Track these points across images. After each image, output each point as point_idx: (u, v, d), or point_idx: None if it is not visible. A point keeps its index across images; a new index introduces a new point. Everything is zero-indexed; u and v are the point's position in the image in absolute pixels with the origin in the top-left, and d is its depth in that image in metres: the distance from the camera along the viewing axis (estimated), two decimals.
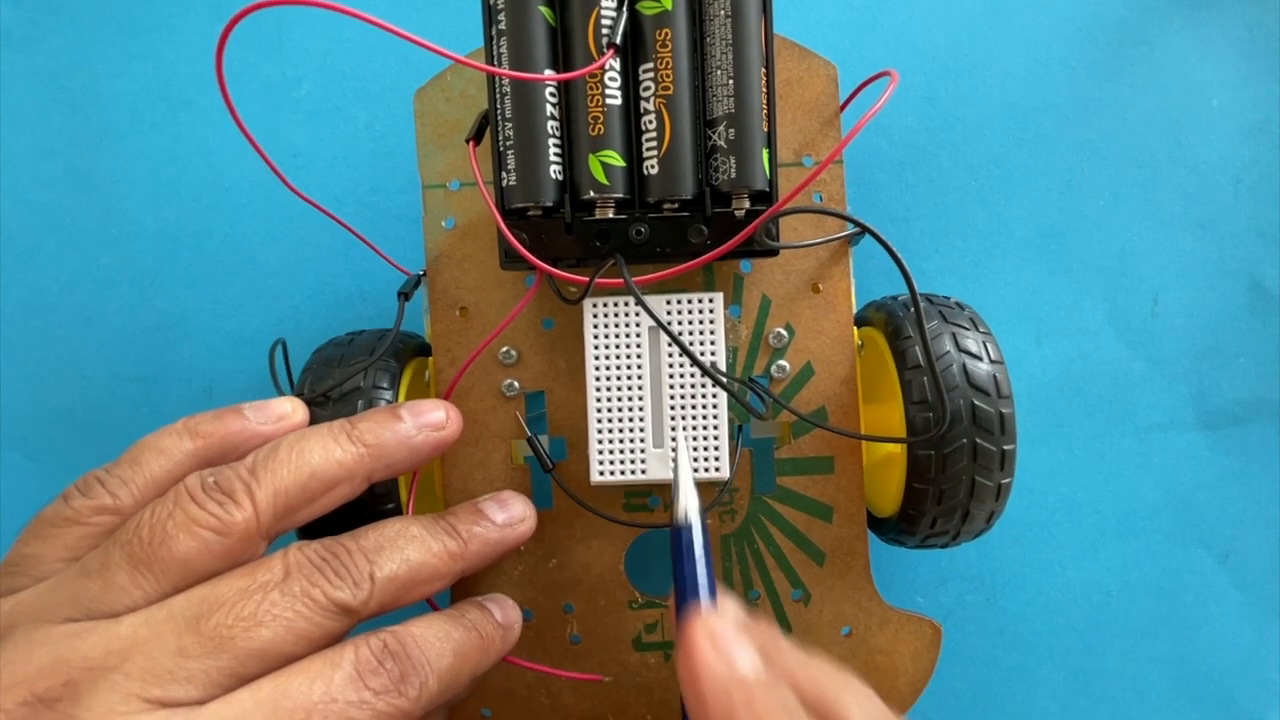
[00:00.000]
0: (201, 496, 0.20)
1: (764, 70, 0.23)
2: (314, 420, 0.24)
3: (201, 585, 0.19)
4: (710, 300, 0.25)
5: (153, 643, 0.18)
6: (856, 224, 0.25)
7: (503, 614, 0.24)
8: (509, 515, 0.24)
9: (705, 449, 0.25)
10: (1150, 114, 0.34)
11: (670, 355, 0.25)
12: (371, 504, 0.24)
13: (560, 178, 0.24)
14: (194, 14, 0.35)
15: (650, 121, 0.24)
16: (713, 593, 0.21)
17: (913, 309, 0.26)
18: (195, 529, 0.19)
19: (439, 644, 0.21)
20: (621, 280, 0.24)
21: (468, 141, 0.24)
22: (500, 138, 0.23)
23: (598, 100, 0.23)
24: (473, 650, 0.22)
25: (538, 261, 0.23)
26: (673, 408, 0.25)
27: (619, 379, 0.25)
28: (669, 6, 0.23)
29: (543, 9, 0.23)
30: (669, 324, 0.25)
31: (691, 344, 0.25)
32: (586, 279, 0.24)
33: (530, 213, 0.24)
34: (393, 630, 0.21)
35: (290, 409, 0.24)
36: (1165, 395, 0.35)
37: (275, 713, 0.18)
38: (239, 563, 0.20)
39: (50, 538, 0.20)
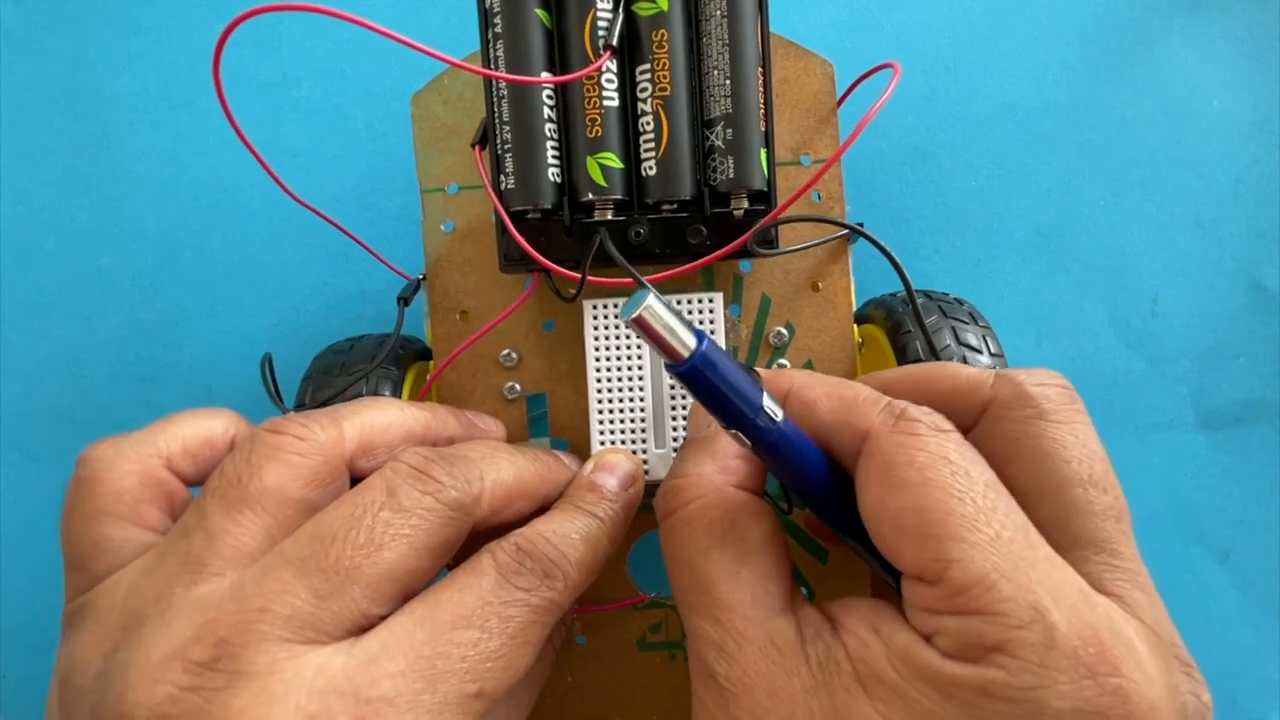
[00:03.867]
0: (280, 423, 0.20)
1: (760, 70, 0.23)
2: None
3: (306, 524, 0.19)
4: (710, 300, 0.25)
5: (282, 591, 0.17)
6: (851, 229, 0.25)
7: (617, 481, 0.23)
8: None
9: None
10: (1150, 114, 0.34)
11: None
12: None
13: (559, 180, 0.24)
14: (194, 14, 0.35)
15: (648, 123, 0.24)
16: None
17: (912, 305, 0.26)
18: (279, 454, 0.19)
19: (567, 534, 0.21)
20: (619, 281, 0.24)
21: (473, 146, 0.24)
22: (498, 141, 0.23)
23: (595, 102, 0.23)
24: (599, 534, 0.22)
25: (546, 262, 0.23)
26: (674, 408, 0.25)
27: (620, 380, 0.25)
28: (665, 7, 0.23)
29: (539, 11, 0.23)
30: None
31: None
32: (579, 277, 0.24)
33: (529, 215, 0.24)
34: (519, 532, 0.20)
35: None
36: (1165, 395, 0.34)
37: (435, 626, 0.18)
38: (330, 489, 0.20)
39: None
